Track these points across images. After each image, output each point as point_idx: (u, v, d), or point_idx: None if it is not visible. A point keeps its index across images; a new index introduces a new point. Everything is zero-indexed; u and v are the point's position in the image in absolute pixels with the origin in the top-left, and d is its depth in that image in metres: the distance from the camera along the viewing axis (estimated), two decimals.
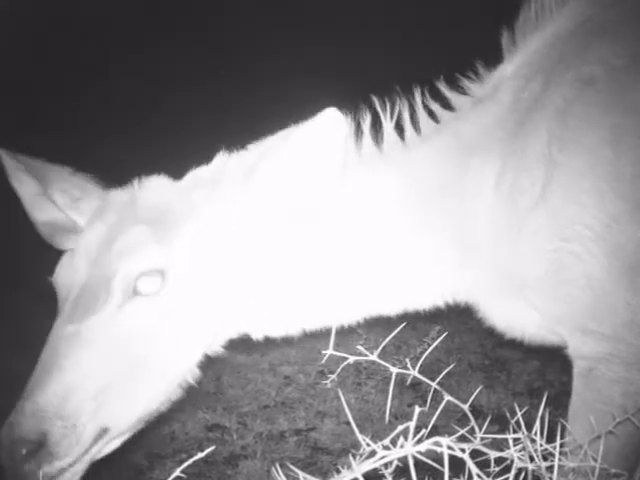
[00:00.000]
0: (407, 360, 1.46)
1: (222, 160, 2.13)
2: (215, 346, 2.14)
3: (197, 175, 2.14)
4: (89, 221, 2.08)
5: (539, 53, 2.10)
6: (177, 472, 1.35)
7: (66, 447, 1.81)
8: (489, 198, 2.05)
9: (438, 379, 1.39)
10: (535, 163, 1.98)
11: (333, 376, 1.79)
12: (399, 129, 2.18)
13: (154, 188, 2.10)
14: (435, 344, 1.61)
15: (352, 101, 2.07)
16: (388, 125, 2.16)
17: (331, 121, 1.94)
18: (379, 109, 2.17)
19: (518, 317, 2.12)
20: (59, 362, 1.85)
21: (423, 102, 2.16)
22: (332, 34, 7.83)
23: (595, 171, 1.91)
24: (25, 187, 2.10)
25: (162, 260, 1.96)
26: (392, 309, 2.25)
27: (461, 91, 2.17)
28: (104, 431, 1.89)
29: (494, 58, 2.19)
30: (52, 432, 1.79)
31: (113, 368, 1.89)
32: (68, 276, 1.99)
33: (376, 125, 2.17)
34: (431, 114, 2.17)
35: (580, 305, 1.97)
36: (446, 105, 2.18)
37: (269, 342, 2.28)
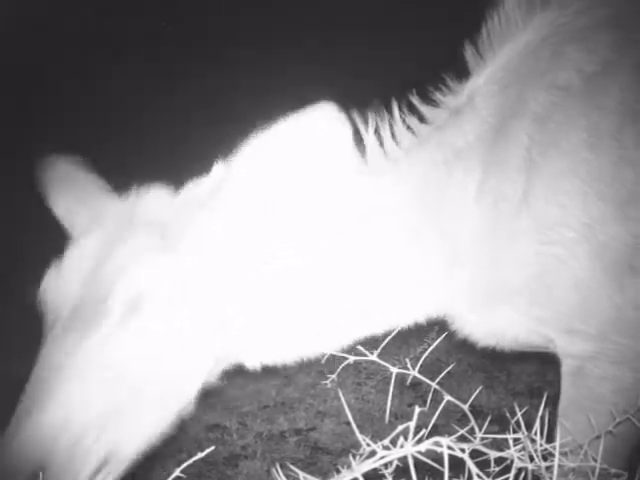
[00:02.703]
0: (407, 360, 1.46)
1: (219, 171, 2.01)
2: (211, 377, 2.05)
3: (196, 189, 2.02)
4: (81, 232, 1.97)
5: (513, 61, 2.11)
6: (177, 472, 1.35)
7: (70, 473, 1.68)
8: (473, 206, 2.06)
9: (438, 379, 1.39)
10: (516, 168, 2.00)
11: (333, 376, 1.79)
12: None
13: (154, 200, 1.99)
14: (435, 344, 1.61)
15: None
16: (370, 137, 2.10)
17: (328, 121, 1.81)
18: (357, 121, 2.10)
19: (499, 323, 2.11)
20: (52, 393, 1.70)
21: (400, 115, 2.13)
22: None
23: (575, 173, 1.93)
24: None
25: (164, 274, 1.84)
26: (379, 328, 2.18)
27: (433, 104, 2.16)
28: (110, 456, 1.77)
29: (456, 71, 2.17)
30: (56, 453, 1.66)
31: (114, 392, 1.76)
32: (58, 291, 1.84)
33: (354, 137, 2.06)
34: (409, 127, 2.14)
35: (566, 306, 1.98)
36: (420, 118, 2.15)
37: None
